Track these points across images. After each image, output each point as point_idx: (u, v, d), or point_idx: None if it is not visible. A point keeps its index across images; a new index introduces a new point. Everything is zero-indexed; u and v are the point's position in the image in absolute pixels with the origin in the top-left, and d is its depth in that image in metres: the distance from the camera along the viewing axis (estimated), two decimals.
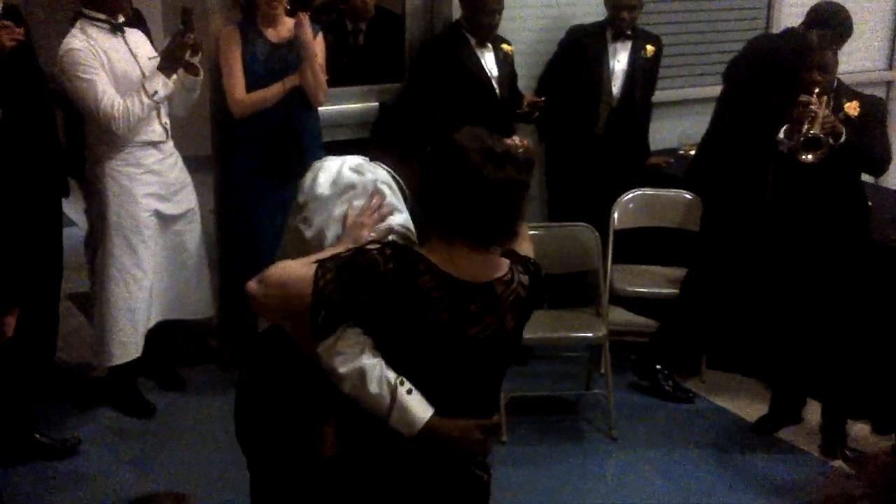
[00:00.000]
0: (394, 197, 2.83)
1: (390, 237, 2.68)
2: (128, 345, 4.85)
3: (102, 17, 4.68)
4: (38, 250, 4.68)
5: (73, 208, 6.24)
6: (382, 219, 2.76)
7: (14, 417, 4.56)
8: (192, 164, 5.19)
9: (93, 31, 4.65)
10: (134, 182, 4.78)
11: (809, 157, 4.49)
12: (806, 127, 4.47)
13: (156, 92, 4.62)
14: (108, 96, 4.58)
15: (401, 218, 2.81)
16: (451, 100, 5.51)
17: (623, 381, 5.42)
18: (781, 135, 4.61)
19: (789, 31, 5.53)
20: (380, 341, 2.53)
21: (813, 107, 4.50)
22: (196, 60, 4.77)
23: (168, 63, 4.66)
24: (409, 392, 2.51)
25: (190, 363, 5.48)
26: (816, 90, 4.56)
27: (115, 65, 4.66)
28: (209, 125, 5.41)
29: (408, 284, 2.46)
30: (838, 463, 4.78)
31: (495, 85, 5.63)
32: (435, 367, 2.54)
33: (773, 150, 4.69)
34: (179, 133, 5.08)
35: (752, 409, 5.31)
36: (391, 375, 2.50)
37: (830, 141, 4.49)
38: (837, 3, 5.51)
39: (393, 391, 2.50)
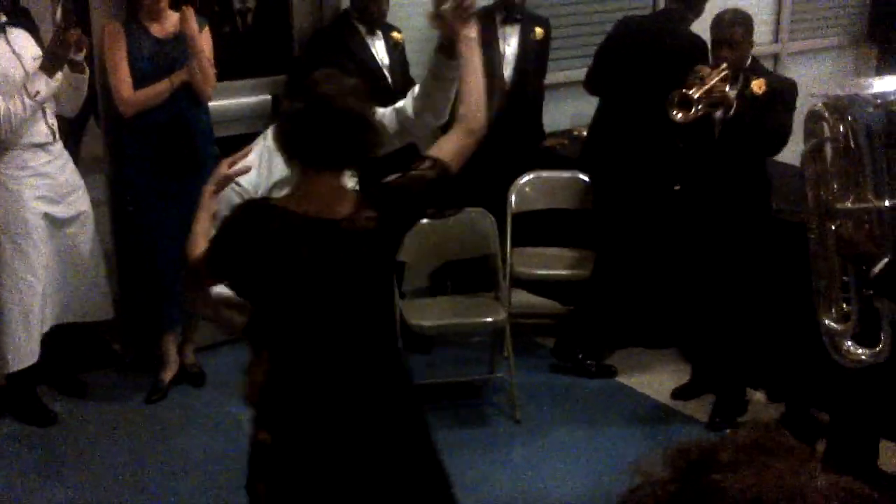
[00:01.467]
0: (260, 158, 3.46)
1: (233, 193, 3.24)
2: (23, 351, 4.75)
3: None
4: None
5: None
6: (229, 179, 3.18)
7: None
8: (85, 164, 5.11)
9: None
10: (21, 185, 4.68)
11: (679, 115, 4.54)
12: (689, 90, 4.54)
13: (38, 92, 4.52)
14: None
15: (251, 177, 3.38)
16: None
17: (526, 364, 5.45)
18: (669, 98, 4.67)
19: (669, 12, 5.58)
20: (260, 291, 2.89)
21: (703, 75, 4.58)
22: (81, 57, 4.66)
23: (50, 62, 4.55)
24: None
25: (92, 367, 5.39)
26: (723, 65, 4.64)
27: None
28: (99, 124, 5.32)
29: (261, 232, 2.78)
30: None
31: (387, 73, 5.62)
32: (312, 301, 2.83)
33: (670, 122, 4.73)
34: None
35: (658, 385, 5.40)
36: None
37: (719, 113, 4.59)
38: None
39: None
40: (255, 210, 2.90)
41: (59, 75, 4.63)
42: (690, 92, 4.53)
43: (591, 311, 5.56)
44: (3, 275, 4.72)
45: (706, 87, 4.56)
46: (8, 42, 4.62)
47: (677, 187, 5.30)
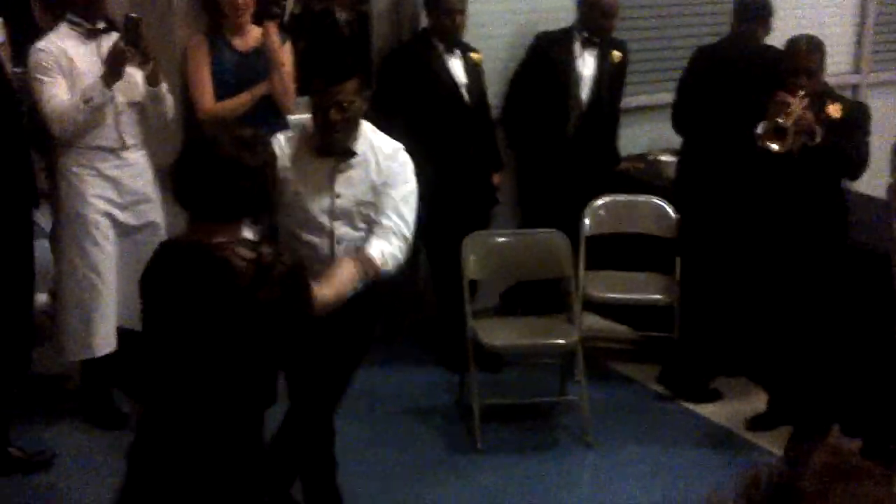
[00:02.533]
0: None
1: None
2: (80, 344, 4.82)
3: (80, 21, 4.69)
4: (8, 261, 4.66)
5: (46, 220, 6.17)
6: None
7: None
8: (167, 174, 5.14)
9: (68, 35, 4.67)
10: (84, 183, 4.76)
11: (775, 146, 4.53)
12: (780, 119, 4.51)
13: (90, 99, 4.59)
14: (55, 99, 4.60)
15: None
16: (419, 106, 5.54)
17: (596, 387, 5.40)
18: (759, 129, 4.62)
19: (741, 35, 5.54)
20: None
21: (790, 102, 4.54)
22: (147, 70, 4.71)
23: (107, 72, 4.62)
24: None
25: None
26: (801, 92, 4.60)
27: (79, 69, 4.64)
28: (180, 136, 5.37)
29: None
30: None
31: (464, 92, 5.64)
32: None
33: (752, 146, 4.70)
34: (156, 144, 5.03)
35: (730, 413, 5.34)
36: None
37: (803, 139, 4.54)
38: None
39: None
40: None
41: (122, 84, 4.69)
42: (782, 122, 4.50)
43: (694, 336, 5.51)
44: (63, 269, 4.83)
45: (794, 115, 4.52)
46: (98, 48, 4.69)
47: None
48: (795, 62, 4.74)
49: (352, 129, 3.81)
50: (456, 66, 5.67)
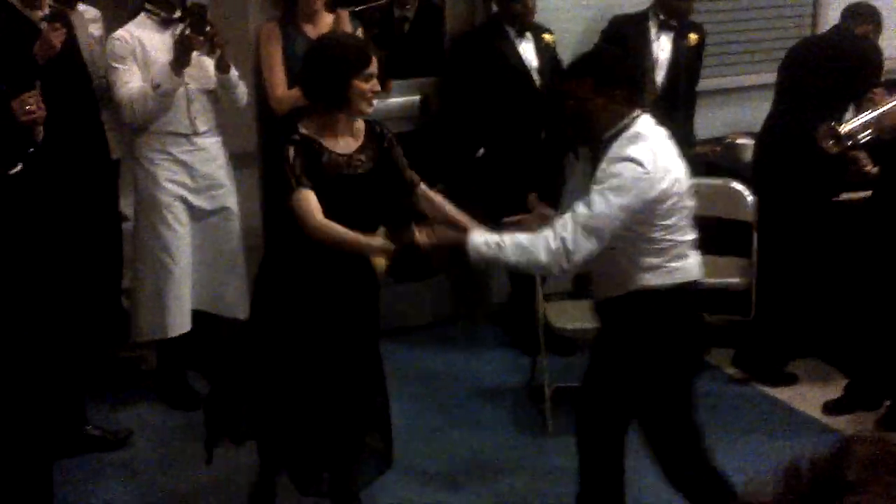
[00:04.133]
0: None
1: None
2: (153, 324, 4.93)
3: (157, 10, 4.80)
4: (95, 246, 4.83)
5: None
6: None
7: (65, 410, 4.61)
8: (240, 160, 5.24)
9: (144, 23, 4.79)
10: (157, 166, 4.86)
11: (832, 146, 4.58)
12: (840, 126, 4.54)
13: (158, 85, 4.68)
14: (127, 86, 4.70)
15: None
16: (490, 91, 5.54)
17: None
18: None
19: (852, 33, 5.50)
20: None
21: (876, 100, 4.56)
22: (215, 57, 4.78)
23: (175, 59, 4.69)
24: None
25: None
26: None
27: (154, 57, 4.74)
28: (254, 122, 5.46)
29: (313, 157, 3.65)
30: None
31: (535, 76, 5.63)
32: (339, 196, 3.65)
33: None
34: (226, 130, 5.12)
35: (804, 396, 5.29)
36: None
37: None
38: (870, 3, 5.54)
39: None
40: (308, 143, 3.70)
41: (191, 71, 4.79)
42: (840, 128, 4.53)
43: (770, 319, 5.45)
44: (138, 251, 4.94)
45: (863, 119, 4.49)
46: (174, 36, 4.77)
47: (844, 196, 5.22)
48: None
49: None
50: (527, 50, 5.66)
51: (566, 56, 5.85)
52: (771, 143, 5.46)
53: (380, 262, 3.79)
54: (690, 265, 3.57)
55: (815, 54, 5.39)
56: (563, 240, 3.35)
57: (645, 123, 3.51)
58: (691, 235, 3.58)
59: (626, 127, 3.48)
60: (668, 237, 3.47)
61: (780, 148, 5.33)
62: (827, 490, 1.08)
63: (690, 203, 3.56)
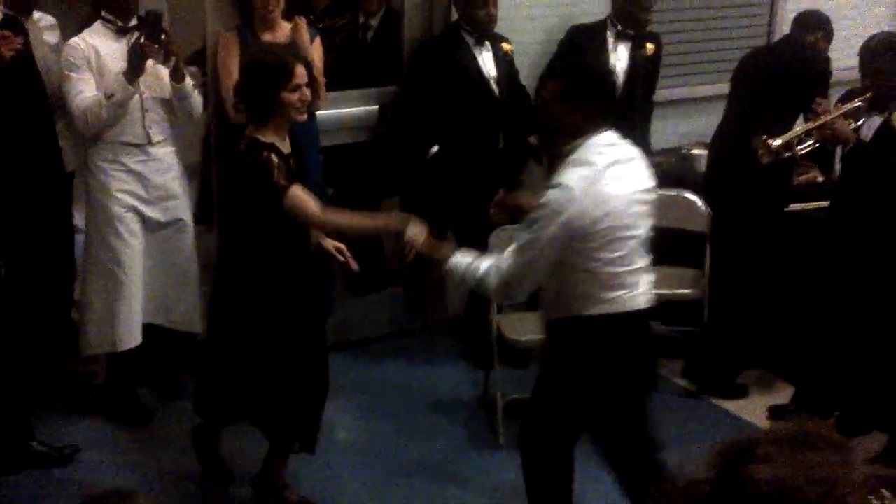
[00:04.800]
0: None
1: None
2: (103, 337, 4.89)
3: (113, 19, 4.76)
4: (47, 258, 4.80)
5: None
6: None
7: (11, 426, 4.59)
8: (196, 170, 5.22)
9: (100, 32, 4.75)
10: (110, 177, 4.81)
11: (763, 158, 4.76)
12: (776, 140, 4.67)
13: (112, 95, 4.64)
14: (81, 95, 4.66)
15: None
16: (448, 100, 5.54)
17: None
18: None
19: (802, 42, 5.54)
20: None
21: (820, 111, 4.61)
22: (170, 66, 4.76)
23: (128, 68, 4.66)
24: None
25: (191, 371, 5.45)
26: (857, 100, 4.70)
27: (109, 66, 4.70)
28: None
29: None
30: None
31: (493, 85, 5.63)
32: None
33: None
34: (181, 140, 5.09)
35: (753, 407, 5.34)
36: None
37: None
38: (821, 11, 5.65)
39: None
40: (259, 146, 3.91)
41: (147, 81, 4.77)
42: (771, 141, 4.68)
43: (722, 330, 5.48)
44: (88, 262, 4.89)
45: (796, 132, 4.67)
46: (129, 44, 4.73)
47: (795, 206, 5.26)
48: (862, 61, 4.80)
49: None
50: (486, 60, 5.66)
51: (523, 66, 5.88)
52: (721, 153, 5.49)
53: (419, 232, 3.76)
54: (632, 296, 3.55)
55: (764, 64, 5.43)
56: (503, 272, 3.43)
57: (599, 145, 3.49)
58: (639, 263, 3.56)
59: (578, 147, 3.49)
60: (606, 269, 3.46)
61: (729, 158, 5.37)
62: (735, 463, 1.13)
63: (640, 231, 3.54)
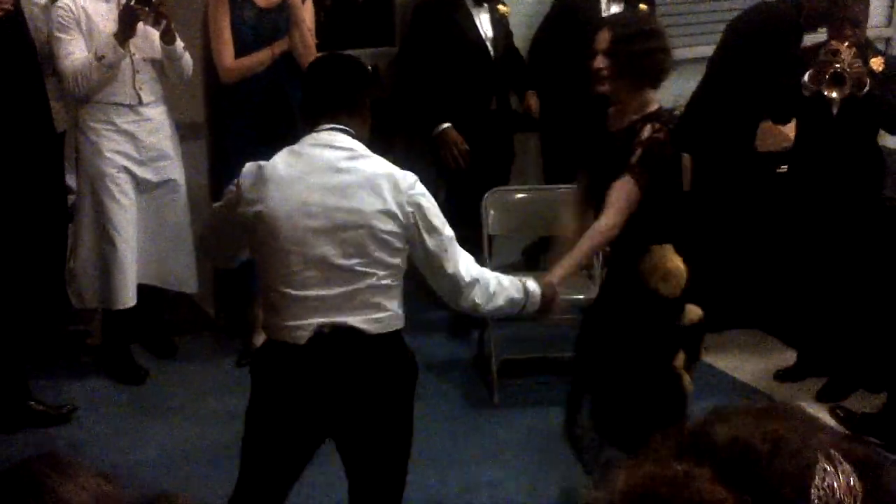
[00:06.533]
0: None
1: None
2: (96, 294, 4.91)
3: None
4: (40, 220, 4.76)
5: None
6: None
7: (8, 385, 4.61)
8: (185, 130, 5.20)
9: None
10: (101, 137, 4.82)
11: (835, 93, 4.49)
12: (837, 65, 4.48)
13: (103, 56, 4.63)
14: (71, 56, 4.64)
15: None
16: (445, 61, 5.51)
17: None
18: (806, 78, 4.60)
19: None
20: None
21: (842, 53, 4.51)
22: (160, 28, 4.74)
23: (119, 30, 4.65)
24: None
25: (185, 331, 5.49)
26: (846, 43, 4.56)
27: (98, 27, 4.69)
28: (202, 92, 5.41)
29: None
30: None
31: (490, 46, 5.60)
32: None
33: (797, 95, 4.68)
34: (173, 99, 5.08)
35: (751, 368, 5.35)
36: None
37: (854, 89, 4.50)
38: None
39: None
40: None
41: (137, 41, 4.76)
42: (840, 68, 4.46)
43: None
44: (81, 220, 4.90)
45: (850, 66, 4.48)
46: (119, 6, 4.71)
47: (783, 168, 5.23)
48: (840, 11, 4.70)
49: None
50: (483, 20, 5.62)
51: (520, 27, 5.86)
52: (693, 111, 5.49)
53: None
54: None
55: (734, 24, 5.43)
56: None
57: None
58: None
59: None
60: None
61: (701, 117, 5.37)
62: (703, 423, 1.15)
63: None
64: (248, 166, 3.17)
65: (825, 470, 1.05)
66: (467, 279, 3.19)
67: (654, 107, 3.72)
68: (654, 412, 3.69)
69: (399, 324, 3.20)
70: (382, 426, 3.23)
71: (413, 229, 3.10)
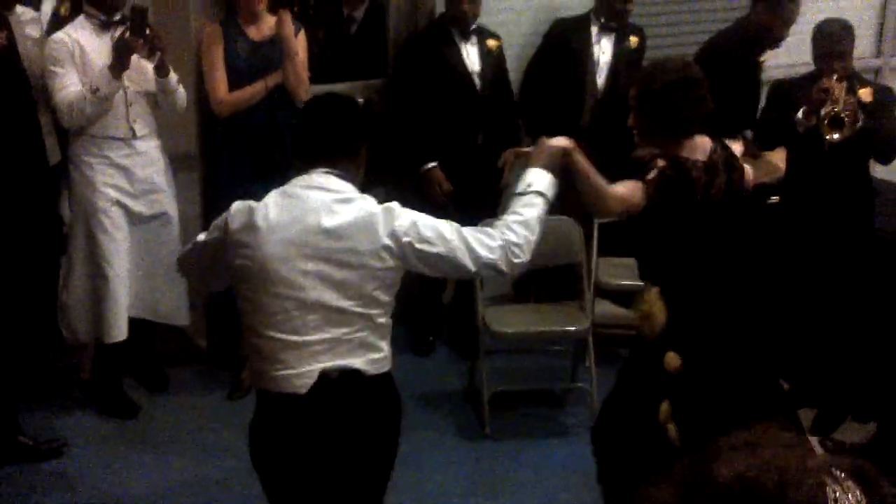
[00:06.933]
0: None
1: None
2: (88, 327, 4.91)
3: (97, 13, 4.76)
4: (33, 252, 4.78)
5: None
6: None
7: None
8: (178, 163, 5.22)
9: (84, 26, 4.74)
10: (94, 171, 4.83)
11: (836, 136, 4.54)
12: (828, 107, 4.51)
13: (97, 89, 4.64)
14: (66, 90, 4.66)
15: None
16: (432, 95, 5.55)
17: (608, 374, 5.40)
18: (800, 115, 4.64)
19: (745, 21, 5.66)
20: None
21: (834, 91, 4.54)
22: (154, 61, 4.77)
23: (113, 63, 4.67)
24: None
25: (177, 364, 5.49)
26: (835, 77, 4.60)
27: (93, 60, 4.71)
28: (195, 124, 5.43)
29: None
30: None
31: (476, 80, 5.64)
32: None
33: (791, 131, 4.74)
34: (166, 132, 5.09)
35: None
36: None
37: (851, 128, 4.55)
38: None
39: None
40: None
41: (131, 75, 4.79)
42: (838, 111, 4.52)
43: None
44: (73, 254, 4.90)
45: (843, 104, 4.54)
46: (113, 40, 4.73)
47: (775, 199, 5.26)
48: (828, 46, 4.75)
49: None
50: (471, 53, 5.66)
51: (513, 60, 5.90)
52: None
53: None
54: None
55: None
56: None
57: None
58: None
59: None
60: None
61: None
62: (697, 467, 1.18)
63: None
64: (239, 206, 3.12)
65: (834, 491, 1.08)
66: (495, 253, 3.13)
67: (684, 152, 3.65)
68: (637, 460, 3.63)
69: (390, 364, 3.19)
70: (369, 464, 3.21)
71: (410, 252, 3.04)
